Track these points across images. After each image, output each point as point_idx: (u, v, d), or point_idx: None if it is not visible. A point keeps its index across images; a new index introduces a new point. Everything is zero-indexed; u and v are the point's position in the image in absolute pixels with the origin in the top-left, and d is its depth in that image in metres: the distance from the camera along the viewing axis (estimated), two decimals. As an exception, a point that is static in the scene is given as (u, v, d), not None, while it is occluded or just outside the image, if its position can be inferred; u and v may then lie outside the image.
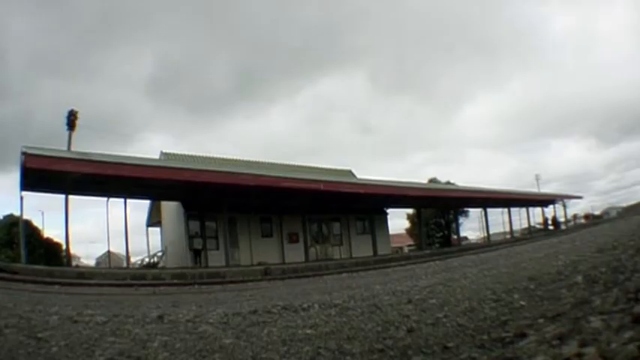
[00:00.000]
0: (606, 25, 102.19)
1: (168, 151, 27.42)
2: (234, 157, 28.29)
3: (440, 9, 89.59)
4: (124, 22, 78.31)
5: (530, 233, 38.54)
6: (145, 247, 25.52)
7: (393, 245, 36.61)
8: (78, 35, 74.71)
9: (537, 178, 54.18)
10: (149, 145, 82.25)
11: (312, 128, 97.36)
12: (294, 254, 23.13)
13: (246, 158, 28.43)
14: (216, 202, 19.68)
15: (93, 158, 15.35)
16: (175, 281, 12.41)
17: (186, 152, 27.94)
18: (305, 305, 4.99)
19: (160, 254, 25.14)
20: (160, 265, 23.56)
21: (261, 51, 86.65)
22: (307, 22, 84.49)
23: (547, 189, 51.57)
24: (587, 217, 49.99)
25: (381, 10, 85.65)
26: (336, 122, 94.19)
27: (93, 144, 54.48)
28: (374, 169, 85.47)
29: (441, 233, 42.36)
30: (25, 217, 18.92)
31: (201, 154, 28.18)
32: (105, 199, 19.84)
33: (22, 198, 16.50)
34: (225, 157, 28.01)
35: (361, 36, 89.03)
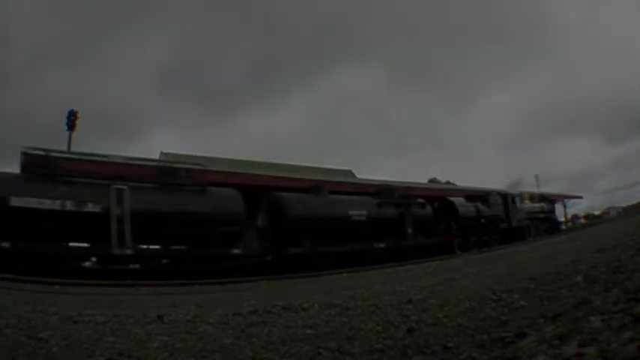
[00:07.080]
0: (618, 22, 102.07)
1: (167, 150, 27.47)
2: (235, 157, 28.31)
3: (452, 4, 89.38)
4: (132, 13, 77.97)
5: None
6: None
7: (393, 245, 36.53)
8: (84, 23, 74.19)
9: (537, 177, 54.15)
10: (155, 142, 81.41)
11: (325, 123, 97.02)
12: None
13: (247, 158, 28.48)
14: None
15: (94, 158, 15.34)
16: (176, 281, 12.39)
17: (186, 152, 27.92)
18: (305, 305, 4.99)
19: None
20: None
21: (275, 43, 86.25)
22: (322, 13, 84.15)
23: (549, 188, 51.43)
24: (587, 217, 49.82)
25: (395, 3, 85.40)
26: (349, 118, 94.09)
27: (96, 141, 54.15)
28: (384, 165, 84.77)
29: (441, 233, 42.30)
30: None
31: (201, 153, 28.15)
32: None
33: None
34: (226, 157, 28.01)
35: (376, 28, 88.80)
